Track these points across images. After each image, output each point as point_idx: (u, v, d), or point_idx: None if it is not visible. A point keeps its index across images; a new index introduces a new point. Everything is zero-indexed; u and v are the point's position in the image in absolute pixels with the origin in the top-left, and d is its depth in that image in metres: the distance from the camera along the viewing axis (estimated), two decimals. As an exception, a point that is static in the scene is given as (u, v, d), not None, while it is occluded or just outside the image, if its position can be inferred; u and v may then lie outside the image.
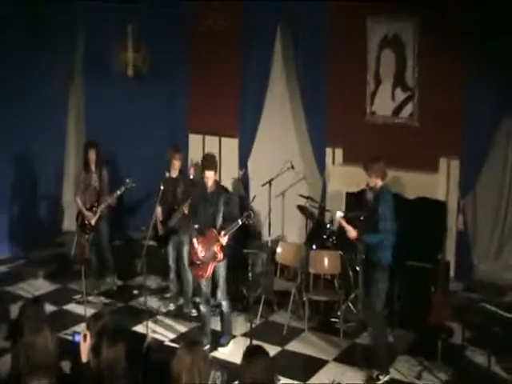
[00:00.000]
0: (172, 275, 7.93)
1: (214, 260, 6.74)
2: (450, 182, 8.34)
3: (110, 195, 8.15)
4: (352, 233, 6.33)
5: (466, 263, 8.34)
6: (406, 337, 7.08)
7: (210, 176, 6.76)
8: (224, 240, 6.60)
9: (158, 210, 7.75)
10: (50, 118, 9.61)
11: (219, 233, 6.62)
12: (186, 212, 7.37)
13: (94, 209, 8.17)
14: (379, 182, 6.30)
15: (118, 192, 8.07)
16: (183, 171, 7.98)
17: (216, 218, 6.73)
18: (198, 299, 7.42)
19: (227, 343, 6.99)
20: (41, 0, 8.81)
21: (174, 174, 7.78)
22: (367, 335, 6.77)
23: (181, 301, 7.95)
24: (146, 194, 8.97)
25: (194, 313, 7.72)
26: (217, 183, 6.96)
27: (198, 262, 6.84)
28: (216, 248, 6.67)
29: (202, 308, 7.04)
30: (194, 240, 6.87)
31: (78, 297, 7.98)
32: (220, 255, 6.70)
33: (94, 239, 8.31)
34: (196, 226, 6.90)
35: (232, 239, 6.83)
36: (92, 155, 8.18)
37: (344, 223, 6.37)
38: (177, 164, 7.73)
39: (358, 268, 7.44)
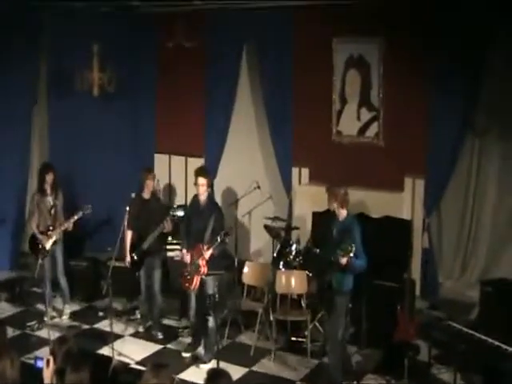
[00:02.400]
0: (142, 297, 7.83)
1: (198, 274, 6.87)
2: (415, 200, 8.41)
3: (66, 219, 7.94)
4: (343, 260, 6.06)
5: (432, 281, 8.40)
6: (373, 355, 7.10)
7: (200, 183, 6.95)
8: (207, 254, 6.78)
9: (129, 234, 7.66)
10: (14, 138, 9.46)
11: (204, 247, 6.82)
12: (169, 229, 7.41)
13: (49, 233, 7.93)
14: (344, 212, 6.29)
15: (75, 217, 7.86)
16: (155, 193, 7.94)
17: (205, 232, 6.88)
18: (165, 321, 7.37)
19: (209, 360, 6.96)
20: (4, 21, 8.71)
21: (147, 195, 7.66)
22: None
23: (149, 323, 7.86)
24: (111, 214, 8.89)
25: (161, 335, 7.64)
26: (209, 198, 7.12)
27: (186, 274, 6.98)
28: (200, 262, 6.80)
29: (192, 319, 7.14)
30: (184, 251, 7.02)
31: (32, 323, 7.82)
32: (204, 269, 6.84)
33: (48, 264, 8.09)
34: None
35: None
36: (48, 178, 7.99)
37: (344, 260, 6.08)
38: (150, 184, 7.64)
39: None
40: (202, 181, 6.98)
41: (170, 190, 10.14)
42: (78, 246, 9.44)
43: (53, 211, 7.97)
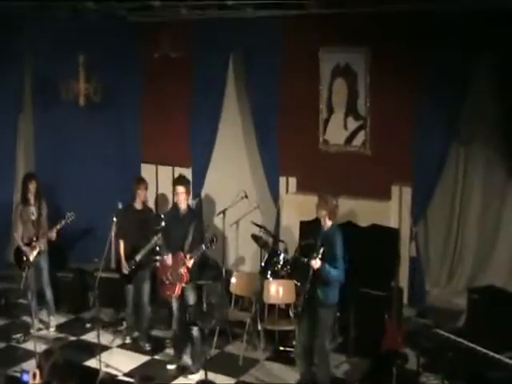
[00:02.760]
0: (129, 309, 7.77)
1: (181, 281, 6.89)
2: (402, 209, 8.43)
3: (49, 229, 7.87)
4: (317, 263, 6.06)
5: (419, 289, 8.40)
6: (361, 364, 7.09)
7: (180, 191, 6.98)
8: (190, 263, 6.81)
9: (121, 244, 7.60)
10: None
11: (185, 256, 6.81)
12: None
13: (33, 243, 7.85)
14: (329, 223, 6.28)
15: (58, 226, 7.78)
16: (146, 203, 7.93)
17: (185, 240, 6.88)
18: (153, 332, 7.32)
19: (197, 370, 6.95)
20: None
21: (139, 205, 7.65)
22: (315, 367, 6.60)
23: (135, 334, 7.81)
24: (96, 224, 8.84)
25: (148, 347, 7.61)
26: (189, 207, 7.16)
27: (167, 282, 6.98)
28: (182, 270, 6.83)
29: (174, 328, 7.10)
30: (168, 256, 7.01)
31: (18, 335, 7.74)
32: (186, 277, 6.86)
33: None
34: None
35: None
36: (32, 187, 7.92)
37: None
38: (142, 194, 7.64)
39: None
40: (180, 189, 7.00)
41: (156, 200, 10.10)
42: (63, 257, 9.34)
43: (36, 221, 7.90)
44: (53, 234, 7.84)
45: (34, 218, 7.89)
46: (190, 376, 6.91)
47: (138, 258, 7.48)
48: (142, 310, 7.68)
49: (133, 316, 7.79)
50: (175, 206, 7.17)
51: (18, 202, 8.10)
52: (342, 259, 6.13)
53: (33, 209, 7.92)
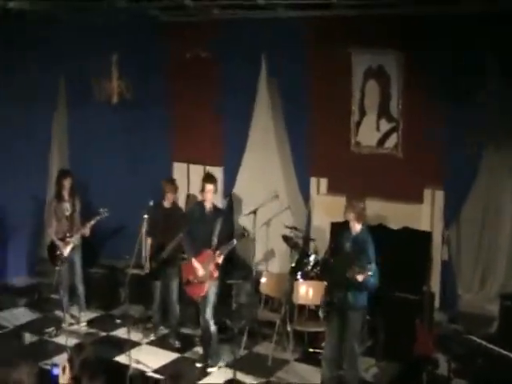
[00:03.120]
0: (156, 306, 7.83)
1: (210, 279, 6.94)
2: (435, 212, 8.36)
3: (83, 225, 7.98)
4: (360, 277, 5.92)
5: (451, 294, 8.32)
6: (390, 368, 7.04)
7: (208, 189, 7.00)
8: (220, 259, 6.86)
9: (148, 241, 7.65)
10: (33, 145, 9.52)
11: (214, 252, 6.86)
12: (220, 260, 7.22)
13: (67, 239, 7.96)
14: (358, 227, 6.20)
15: (92, 222, 7.90)
16: (176, 202, 7.95)
17: (212, 237, 6.92)
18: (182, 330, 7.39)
19: (216, 364, 7.05)
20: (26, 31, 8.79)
21: (168, 204, 7.70)
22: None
23: (161, 331, 7.85)
24: (127, 222, 8.90)
25: (178, 344, 7.64)
26: (214, 205, 7.19)
27: (196, 281, 7.00)
28: (212, 267, 6.88)
29: (205, 325, 7.09)
30: (193, 259, 7.02)
31: (50, 329, 7.82)
32: (216, 274, 6.94)
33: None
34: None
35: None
36: (66, 183, 8.03)
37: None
38: (170, 197, 7.68)
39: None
40: (210, 187, 7.04)
41: (187, 198, 10.14)
42: (94, 253, 9.45)
43: (70, 217, 7.99)
44: (87, 230, 7.94)
45: (68, 213, 8.00)
46: (209, 369, 6.98)
47: (164, 255, 7.52)
48: (170, 308, 7.72)
49: (159, 313, 7.83)
50: (200, 203, 7.21)
51: (53, 198, 8.19)
52: (375, 263, 6.05)
53: (67, 205, 8.03)
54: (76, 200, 8.10)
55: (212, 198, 7.10)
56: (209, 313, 7.03)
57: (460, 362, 6.73)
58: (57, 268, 7.94)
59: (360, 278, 5.88)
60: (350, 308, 6.12)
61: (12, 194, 9.42)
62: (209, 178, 7.21)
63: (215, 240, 6.95)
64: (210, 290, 7.02)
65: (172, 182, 7.86)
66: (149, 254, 7.64)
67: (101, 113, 9.59)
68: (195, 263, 7.00)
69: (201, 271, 6.97)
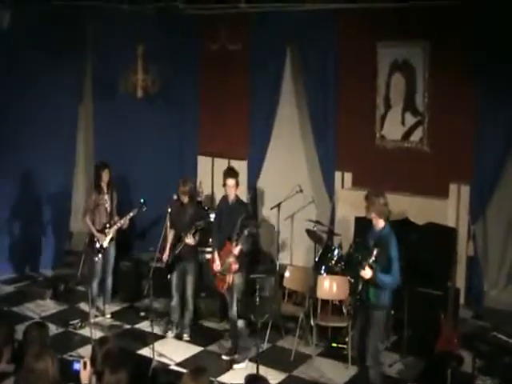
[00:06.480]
0: (174, 303, 7.71)
1: (230, 271, 6.96)
2: (460, 207, 8.28)
3: (120, 217, 8.06)
4: (367, 274, 5.87)
5: (476, 290, 8.25)
6: (415, 364, 6.99)
7: (230, 184, 7.03)
8: (236, 250, 6.88)
9: (171, 233, 7.68)
10: (59, 138, 9.60)
11: (233, 244, 6.91)
12: (191, 242, 7.34)
13: (106, 230, 8.06)
14: (381, 223, 6.04)
15: (131, 214, 7.99)
16: (194, 198, 7.87)
17: (233, 230, 6.93)
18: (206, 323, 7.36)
19: (243, 359, 7.02)
20: (52, 24, 8.85)
21: (185, 199, 7.61)
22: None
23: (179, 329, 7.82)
24: (154, 215, 8.94)
25: (187, 337, 7.62)
26: (237, 198, 7.16)
27: (218, 274, 7.09)
28: (231, 259, 6.90)
29: (232, 320, 7.12)
30: (215, 253, 7.09)
31: (75, 321, 7.87)
32: (235, 266, 6.93)
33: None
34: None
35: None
36: (105, 176, 8.11)
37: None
38: (184, 197, 7.52)
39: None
40: (231, 182, 7.03)
41: (212, 192, 10.16)
42: (127, 246, 9.50)
43: (109, 209, 8.08)
44: (126, 222, 8.01)
45: (107, 205, 8.08)
46: (235, 366, 6.96)
47: (176, 250, 7.48)
48: (185, 303, 7.67)
49: (179, 310, 7.72)
50: (224, 197, 7.23)
51: (92, 190, 8.24)
52: (397, 261, 5.92)
53: (106, 197, 8.12)
54: (114, 192, 8.19)
55: (234, 191, 7.08)
56: (234, 307, 7.04)
57: (485, 360, 6.67)
58: (95, 259, 8.03)
59: (365, 274, 5.82)
60: (371, 307, 6.01)
61: (39, 186, 9.54)
62: (229, 173, 7.19)
63: (235, 233, 6.94)
64: (235, 283, 7.03)
65: (184, 181, 7.58)
66: (169, 246, 7.63)
67: (127, 105, 9.61)
68: (215, 256, 7.09)
69: (217, 264, 7.04)
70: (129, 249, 9.66)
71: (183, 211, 7.55)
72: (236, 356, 7.10)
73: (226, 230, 7.06)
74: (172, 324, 7.77)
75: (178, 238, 7.56)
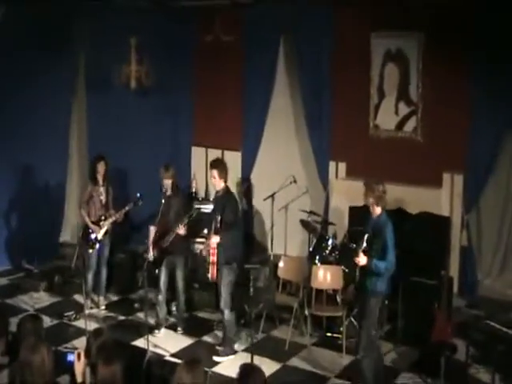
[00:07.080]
0: (161, 297, 7.60)
1: (210, 263, 6.98)
2: (454, 197, 8.28)
3: (116, 210, 8.05)
4: (360, 261, 5.95)
5: (470, 279, 8.26)
6: (408, 353, 7.02)
7: (211, 175, 7.00)
8: (181, 231, 7.10)
9: (152, 229, 7.61)
10: (53, 130, 9.58)
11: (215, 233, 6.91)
12: (181, 233, 7.27)
13: (101, 223, 8.05)
14: (378, 210, 6.08)
15: (127, 207, 7.97)
16: (179, 189, 7.71)
17: (216, 220, 6.94)
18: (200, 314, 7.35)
19: (225, 355, 6.98)
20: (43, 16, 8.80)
21: (168, 191, 7.48)
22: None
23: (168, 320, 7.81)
24: (149, 208, 8.91)
25: (181, 330, 7.61)
26: (227, 189, 7.11)
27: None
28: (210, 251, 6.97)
29: (222, 312, 7.09)
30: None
31: (69, 313, 7.88)
32: (212, 258, 6.94)
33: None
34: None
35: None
36: (100, 168, 8.10)
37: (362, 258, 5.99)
38: (167, 184, 7.41)
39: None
40: (212, 172, 7.02)
41: (206, 183, 10.15)
42: (122, 239, 9.47)
43: (104, 201, 8.07)
44: (121, 215, 8.01)
45: (102, 197, 8.07)
46: (215, 358, 6.92)
47: (163, 244, 7.33)
48: (177, 297, 7.64)
49: (164, 304, 7.66)
50: (218, 190, 7.18)
51: (88, 182, 8.23)
52: (392, 248, 5.98)
53: (101, 189, 8.13)
54: (109, 185, 8.18)
55: (216, 182, 7.01)
56: (222, 299, 6.99)
57: (479, 348, 6.70)
58: (90, 251, 8.04)
59: (358, 262, 5.91)
60: (368, 293, 6.07)
61: (32, 178, 9.52)
62: (211, 164, 7.16)
63: (218, 223, 6.91)
64: (222, 274, 6.97)
65: (166, 168, 7.46)
66: (151, 244, 7.56)
67: (120, 97, 9.57)
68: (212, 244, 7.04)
69: (203, 252, 7.20)
70: (125, 242, 9.64)
71: (167, 204, 7.38)
72: (220, 348, 7.06)
73: (212, 221, 7.05)
74: (159, 320, 7.67)
75: (161, 233, 7.40)
